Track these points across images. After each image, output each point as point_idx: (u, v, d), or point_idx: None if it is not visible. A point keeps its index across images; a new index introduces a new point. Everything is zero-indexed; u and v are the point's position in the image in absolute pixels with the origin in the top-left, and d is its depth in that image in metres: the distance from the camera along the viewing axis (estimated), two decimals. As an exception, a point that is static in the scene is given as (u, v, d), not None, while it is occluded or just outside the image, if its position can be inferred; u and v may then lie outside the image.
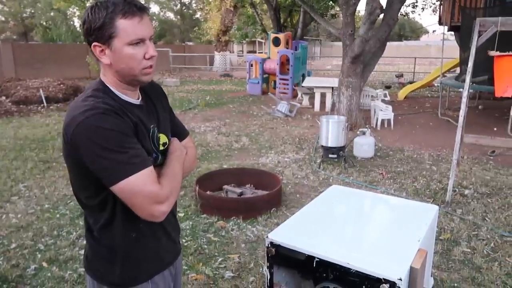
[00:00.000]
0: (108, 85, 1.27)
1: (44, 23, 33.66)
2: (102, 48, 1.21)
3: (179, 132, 1.55)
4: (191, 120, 9.08)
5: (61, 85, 12.26)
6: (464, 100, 4.36)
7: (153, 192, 1.18)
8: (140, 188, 1.16)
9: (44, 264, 3.16)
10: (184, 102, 11.68)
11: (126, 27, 1.19)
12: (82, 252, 3.32)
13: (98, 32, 1.19)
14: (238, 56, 30.78)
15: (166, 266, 1.49)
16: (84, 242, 3.39)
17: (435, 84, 14.42)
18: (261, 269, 3.08)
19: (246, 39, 25.40)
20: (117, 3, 1.19)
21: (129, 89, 1.30)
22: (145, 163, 1.19)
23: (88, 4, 14.86)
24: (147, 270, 1.40)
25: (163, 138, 1.39)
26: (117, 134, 1.15)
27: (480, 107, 10.65)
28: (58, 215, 4.09)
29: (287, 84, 12.66)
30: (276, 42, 13.27)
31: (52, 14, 32.99)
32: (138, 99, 1.34)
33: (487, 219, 3.97)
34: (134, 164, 1.16)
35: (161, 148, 1.39)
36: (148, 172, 1.19)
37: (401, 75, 16.90)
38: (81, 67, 18.69)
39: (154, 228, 1.38)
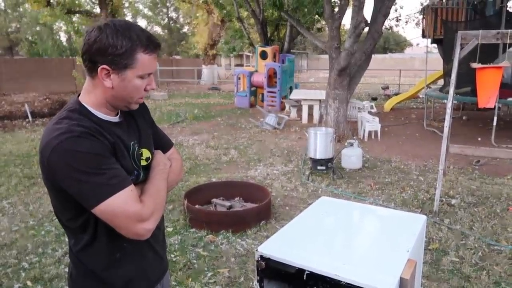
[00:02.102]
0: (85, 105, 1.24)
1: (30, 38, 33.43)
2: (110, 72, 1.19)
3: (163, 144, 1.53)
4: (179, 133, 9.04)
5: (47, 100, 12.14)
6: (449, 111, 4.45)
7: (135, 212, 1.16)
8: (121, 208, 1.15)
9: (29, 283, 3.08)
10: (172, 115, 11.65)
11: (144, 62, 1.20)
12: (67, 270, 3.26)
13: (115, 58, 1.16)
14: (225, 69, 30.95)
15: (154, 284, 1.46)
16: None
17: (420, 96, 14.68)
18: (251, 283, 3.05)
19: (234, 53, 25.57)
20: (141, 37, 1.19)
21: (109, 109, 1.28)
22: (124, 183, 1.17)
23: (74, 19, 14.83)
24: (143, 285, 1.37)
25: (145, 153, 1.38)
26: (93, 157, 1.13)
27: (464, 117, 10.86)
28: (43, 232, 4.00)
29: (275, 97, 12.74)
30: (264, 55, 13.39)
31: (38, 28, 32.82)
32: (116, 115, 1.31)
33: (474, 228, 4.02)
34: (113, 185, 1.14)
35: (144, 163, 1.37)
36: (128, 192, 1.17)
37: (387, 87, 17.17)
38: (67, 82, 18.55)
39: (139, 246, 1.36)
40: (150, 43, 1.21)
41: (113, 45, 1.15)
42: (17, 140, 8.36)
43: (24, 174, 5.89)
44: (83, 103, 1.24)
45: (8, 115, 10.97)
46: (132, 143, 1.32)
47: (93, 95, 1.24)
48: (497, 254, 3.48)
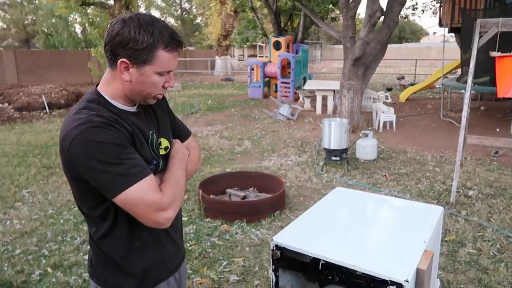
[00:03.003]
0: (104, 95, 1.25)
1: (46, 30, 33.84)
2: (129, 66, 1.19)
3: (181, 133, 1.54)
4: (193, 124, 9.09)
5: (63, 91, 12.31)
6: (466, 101, 4.36)
7: (155, 201, 1.17)
8: (141, 198, 1.15)
9: (49, 269, 3.16)
10: (186, 106, 11.70)
11: (164, 59, 1.20)
12: (87, 257, 3.32)
13: (135, 52, 1.16)
14: (239, 60, 30.86)
15: (172, 273, 1.48)
16: (88, 247, 3.39)
17: (437, 86, 14.42)
18: (266, 272, 3.07)
19: (247, 43, 25.46)
20: (163, 33, 1.18)
21: (127, 101, 1.28)
22: (143, 172, 1.17)
23: (89, 11, 14.94)
24: (152, 277, 1.39)
25: (164, 143, 1.39)
26: (112, 146, 1.14)
27: (482, 108, 10.63)
28: (62, 221, 4.09)
29: (289, 88, 12.67)
30: (277, 45, 13.30)
31: (53, 20, 33.17)
32: (134, 106, 1.32)
33: (492, 220, 3.96)
34: (133, 174, 1.15)
35: (163, 152, 1.38)
36: (148, 181, 1.17)
37: (402, 77, 16.90)
38: (83, 74, 18.79)
39: (159, 236, 1.38)
40: (172, 40, 1.20)
41: (135, 40, 1.15)
42: (35, 131, 8.52)
43: (42, 164, 6.01)
44: (101, 93, 1.25)
45: (26, 106, 11.17)
46: (150, 132, 1.32)
47: (112, 86, 1.25)
48: (516, 246, 3.43)
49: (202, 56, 27.24)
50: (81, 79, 18.98)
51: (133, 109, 1.30)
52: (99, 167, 1.13)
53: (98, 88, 1.27)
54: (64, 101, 11.74)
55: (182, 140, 1.51)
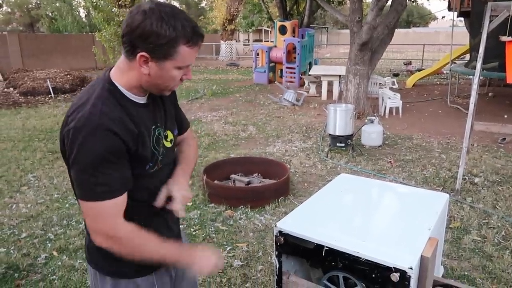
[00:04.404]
0: (117, 84, 1.21)
1: (50, 14, 33.68)
2: (148, 60, 1.15)
3: (183, 124, 1.54)
4: (197, 109, 9.06)
5: (68, 76, 12.31)
6: (475, 86, 4.29)
7: (101, 228, 1.17)
8: (92, 216, 1.16)
9: (55, 253, 3.19)
10: (190, 91, 11.66)
11: (185, 54, 1.17)
12: (84, 242, 3.36)
13: (156, 47, 1.12)
14: (244, 45, 30.58)
15: None
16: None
17: (444, 72, 14.22)
18: (269, 257, 3.08)
19: (252, 28, 25.21)
20: (186, 27, 1.14)
21: (140, 91, 1.26)
22: (109, 195, 1.14)
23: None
24: (150, 264, 1.35)
25: (170, 135, 1.38)
26: (95, 156, 1.11)
27: (490, 94, 10.49)
28: (67, 205, 4.12)
29: (294, 73, 12.56)
30: (283, 30, 13.14)
31: (57, 4, 32.97)
32: (145, 96, 1.29)
33: (498, 207, 3.93)
34: (96, 192, 1.13)
35: (169, 145, 1.37)
36: (109, 205, 1.14)
37: (410, 63, 16.67)
38: (87, 58, 18.74)
39: (156, 226, 1.35)
40: (194, 35, 1.16)
41: (156, 34, 1.10)
42: (41, 116, 8.54)
43: (48, 149, 6.03)
44: (114, 82, 1.21)
45: (31, 91, 11.18)
46: (154, 127, 1.30)
47: (127, 76, 1.21)
48: (521, 233, 3.41)
49: (207, 41, 27.01)
50: (86, 63, 18.94)
51: (143, 100, 1.27)
52: (76, 167, 1.13)
53: (111, 75, 1.22)
54: (68, 85, 11.74)
55: (182, 132, 1.51)
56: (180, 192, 1.36)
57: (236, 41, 28.74)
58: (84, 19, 32.99)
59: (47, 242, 3.37)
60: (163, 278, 1.44)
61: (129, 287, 1.36)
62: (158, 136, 1.31)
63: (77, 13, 33.28)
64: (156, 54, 1.13)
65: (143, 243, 1.22)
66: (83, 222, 3.62)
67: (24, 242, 3.37)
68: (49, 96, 10.98)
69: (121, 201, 1.18)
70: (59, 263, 3.05)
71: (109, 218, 1.16)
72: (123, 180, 1.18)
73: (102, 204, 1.14)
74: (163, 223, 1.40)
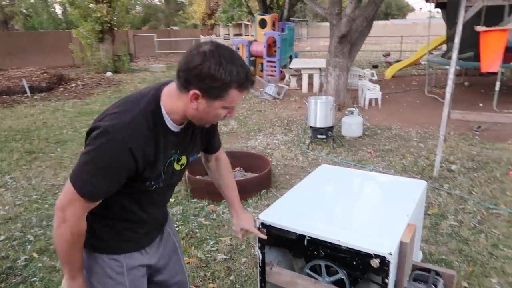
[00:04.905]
0: (163, 109, 1.27)
1: (25, 11, 32.74)
2: (199, 97, 1.21)
3: (216, 144, 1.67)
4: (178, 105, 8.99)
5: (45, 74, 12.00)
6: (451, 76, 4.37)
7: (64, 211, 1.23)
8: (67, 197, 1.23)
9: (35, 254, 3.14)
10: (171, 87, 11.55)
11: (235, 97, 1.24)
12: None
13: (210, 88, 1.19)
14: (224, 39, 30.37)
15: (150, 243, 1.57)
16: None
17: (422, 62, 14.47)
18: (252, 250, 3.10)
19: (232, 22, 25.06)
20: (240, 74, 1.20)
21: (181, 118, 1.32)
22: (88, 195, 1.22)
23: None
24: (128, 248, 1.47)
25: (183, 160, 1.44)
26: (105, 163, 1.20)
27: (466, 83, 10.73)
28: (46, 205, 4.04)
29: (275, 67, 12.57)
30: (263, 24, 13.11)
31: (32, 1, 32.06)
32: (181, 125, 1.35)
33: (473, 192, 4.05)
34: (83, 187, 1.21)
35: (178, 168, 1.44)
36: (82, 203, 1.23)
37: (388, 54, 16.89)
38: (65, 55, 18.32)
39: (143, 223, 1.48)
40: (246, 81, 1.23)
41: (212, 77, 1.17)
42: (17, 116, 8.32)
43: (25, 149, 5.90)
44: (161, 106, 1.27)
45: (6, 90, 10.87)
46: (173, 152, 1.37)
47: (174, 104, 1.27)
48: (496, 217, 3.52)
49: (186, 36, 26.76)
50: (63, 61, 18.52)
51: (177, 128, 1.34)
52: (85, 158, 1.21)
53: (162, 96, 1.28)
54: (45, 84, 11.46)
55: (214, 151, 1.68)
56: (251, 226, 1.81)
57: (216, 36, 28.56)
58: (60, 16, 32.20)
59: (27, 244, 3.31)
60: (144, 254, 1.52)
61: (100, 260, 1.43)
62: (172, 160, 1.38)
63: (52, 9, 32.45)
64: (208, 94, 1.21)
65: (71, 246, 1.29)
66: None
67: (2, 245, 3.30)
68: (25, 95, 10.71)
69: (93, 205, 1.27)
70: (40, 264, 3.00)
71: (76, 210, 1.24)
72: (107, 190, 1.26)
73: (80, 199, 1.22)
74: (153, 225, 1.55)
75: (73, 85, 11.96)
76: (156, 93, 1.28)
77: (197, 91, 1.19)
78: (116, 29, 15.53)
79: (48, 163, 5.27)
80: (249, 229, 1.81)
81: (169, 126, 1.30)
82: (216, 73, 1.16)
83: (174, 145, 1.35)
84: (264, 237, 1.84)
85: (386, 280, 1.85)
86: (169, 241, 1.71)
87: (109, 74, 14.68)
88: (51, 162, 5.33)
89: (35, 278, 2.83)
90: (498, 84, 7.20)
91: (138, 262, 1.49)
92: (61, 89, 11.48)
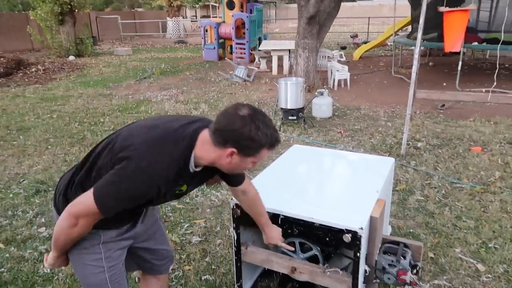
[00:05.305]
0: (193, 154, 1.39)
1: (-25, -9, 30.65)
2: (234, 154, 1.35)
3: (239, 179, 1.73)
4: (147, 89, 8.78)
5: (1, 59, 11.38)
6: (416, 56, 4.48)
7: (77, 217, 1.35)
8: (85, 207, 1.33)
9: (1, 245, 3.02)
10: (138, 71, 11.24)
11: (263, 155, 1.39)
12: (42, 230, 3.22)
13: (247, 147, 1.34)
14: (191, 21, 29.74)
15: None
16: (43, 220, 3.26)
17: (388, 43, 14.73)
18: (227, 231, 3.12)
19: (199, 3, 24.51)
20: (272, 137, 1.35)
21: (206, 164, 1.43)
22: (105, 212, 1.33)
23: None
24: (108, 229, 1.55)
25: (184, 188, 1.52)
26: (131, 190, 1.31)
27: (430, 64, 11.04)
28: (11, 195, 3.89)
29: (244, 49, 12.46)
30: (230, 5, 12.90)
31: (-17, -20, 30.04)
32: (199, 167, 1.45)
33: (438, 168, 4.21)
34: (104, 203, 1.32)
35: (176, 192, 1.51)
36: (97, 216, 1.34)
37: (356, 36, 17.08)
38: (22, 39, 17.41)
39: (124, 222, 1.58)
40: (275, 142, 1.38)
41: (251, 139, 1.31)
42: (-27, 103, 7.89)
43: (-16, 138, 5.62)
44: (193, 151, 1.38)
45: (-40, 76, 10.26)
46: (182, 185, 1.48)
47: (206, 152, 1.38)
48: (459, 191, 3.69)
49: (152, 18, 26.00)
50: (21, 45, 17.59)
51: (196, 169, 1.44)
52: (115, 176, 1.31)
53: (197, 142, 1.38)
54: (3, 69, 10.87)
55: (237, 184, 1.74)
56: (279, 241, 1.98)
57: (183, 18, 27.90)
58: (15, -3, 30.38)
59: (-8, 234, 3.19)
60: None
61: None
62: (176, 189, 1.48)
63: (6, -11, 30.55)
64: (244, 152, 1.35)
65: (71, 242, 1.45)
66: (30, 212, 3.44)
67: (-35, 237, 3.16)
68: (-19, 81, 10.14)
69: (101, 218, 1.38)
70: (7, 255, 2.90)
71: (90, 220, 1.36)
72: (119, 210, 1.38)
73: (95, 211, 1.32)
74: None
75: (33, 70, 11.42)
76: (191, 141, 1.38)
77: (234, 150, 1.33)
78: (76, 10, 14.86)
79: (10, 152, 5.05)
80: (277, 244, 1.99)
81: (190, 168, 1.41)
82: (254, 136, 1.30)
83: (186, 180, 1.46)
84: (292, 248, 2.06)
85: (358, 254, 1.91)
86: (152, 217, 1.79)
87: (71, 58, 14.10)
88: (14, 150, 5.11)
89: (2, 269, 2.74)
90: (460, 64, 7.45)
91: (115, 234, 1.54)
92: (21, 74, 10.94)
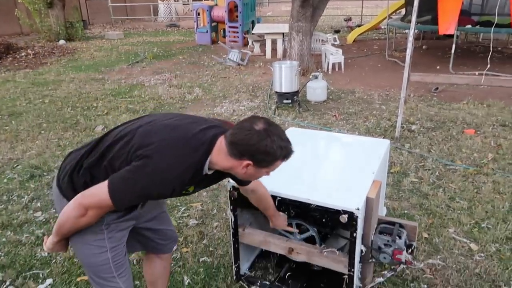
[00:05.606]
0: (208, 159, 1.40)
1: (-41, -27, 29.80)
2: (250, 165, 1.38)
3: (247, 181, 1.77)
4: (139, 74, 8.68)
5: (-10, 43, 11.16)
6: (410, 39, 4.46)
7: (87, 208, 1.36)
8: (98, 197, 1.35)
9: (-3, 230, 3.03)
10: (130, 55, 11.09)
11: (277, 165, 1.44)
12: (38, 214, 3.22)
13: (262, 161, 1.38)
14: (183, 4, 29.24)
15: None
16: (39, 204, 3.25)
17: (382, 27, 14.65)
18: (224, 214, 3.14)
19: (191, -14, 23.98)
20: (287, 149, 1.39)
21: (218, 169, 1.46)
22: (118, 204, 1.35)
23: None
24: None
25: (191, 189, 1.52)
26: (146, 188, 1.32)
27: (424, 47, 11.02)
28: (5, 180, 3.87)
29: (237, 32, 12.31)
30: (223, -13, 12.68)
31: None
32: (212, 170, 1.47)
33: (432, 150, 4.25)
34: (119, 195, 1.33)
35: (183, 192, 1.51)
36: (108, 206, 1.35)
37: (350, 19, 16.94)
38: (10, 22, 17.01)
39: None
40: (289, 153, 1.42)
41: (267, 153, 1.35)
42: (-38, 88, 7.75)
43: (-25, 123, 5.55)
44: (208, 157, 1.40)
45: None
46: (191, 187, 1.49)
47: (221, 160, 1.40)
48: (452, 173, 3.73)
49: (143, 1, 25.51)
50: (9, 28, 17.20)
51: (209, 172, 1.46)
52: (131, 172, 1.33)
53: (214, 149, 1.40)
54: (-9, 54, 10.68)
55: (245, 184, 1.80)
56: (284, 226, 2.09)
57: (175, 1, 27.41)
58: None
59: (-13, 220, 3.18)
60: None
61: None
62: (185, 190, 1.49)
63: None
64: (259, 165, 1.40)
65: (76, 229, 1.45)
66: (25, 196, 3.44)
67: (-39, 222, 3.15)
68: (-30, 66, 9.96)
69: (111, 209, 1.39)
70: (4, 239, 2.90)
71: (100, 212, 1.39)
72: (132, 204, 1.45)
73: (109, 205, 1.34)
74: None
75: (23, 54, 11.20)
76: (209, 146, 1.40)
77: (250, 162, 1.37)
78: (66, -7, 14.53)
79: (3, 137, 5.00)
80: (282, 229, 2.13)
81: (204, 173, 1.44)
82: (270, 150, 1.34)
83: (196, 182, 1.47)
84: (296, 230, 2.14)
85: (354, 234, 1.94)
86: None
87: (62, 42, 13.84)
88: (6, 135, 5.06)
89: (0, 253, 2.74)
90: (454, 47, 7.44)
91: (117, 216, 1.53)
92: (10, 58, 10.74)
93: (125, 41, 14.26)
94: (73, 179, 1.46)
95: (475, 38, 12.03)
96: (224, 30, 12.80)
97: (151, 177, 1.31)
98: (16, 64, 10.12)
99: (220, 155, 1.40)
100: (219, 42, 11.76)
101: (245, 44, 12.18)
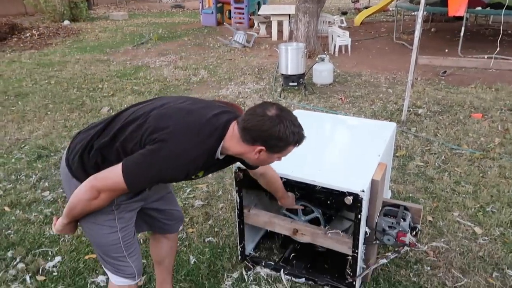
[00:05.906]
0: (220, 146, 1.42)
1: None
2: (262, 151, 1.40)
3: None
4: (144, 55, 8.63)
5: (-5, 23, 11.11)
6: (419, 20, 4.39)
7: (100, 191, 1.37)
8: (112, 180, 1.36)
9: (6, 208, 3.08)
10: (135, 36, 11.01)
11: (290, 151, 1.46)
12: (46, 194, 3.26)
13: (274, 146, 1.39)
14: (188, -15, 28.86)
15: None
16: (46, 184, 3.28)
17: (390, 9, 14.38)
18: (229, 195, 3.17)
19: (196, -34, 23.58)
20: (299, 135, 1.41)
21: (230, 154, 1.48)
22: (131, 187, 1.36)
23: None
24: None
25: (200, 174, 1.53)
26: (161, 172, 1.34)
27: (432, 29, 10.83)
28: (13, 160, 3.91)
29: (243, 14, 12.15)
30: (229, -33, 12.46)
31: None
32: (223, 155, 1.49)
33: (438, 134, 4.23)
34: (133, 178, 1.34)
35: (193, 177, 1.52)
36: (122, 189, 1.36)
37: (357, 1, 16.63)
38: (14, 2, 16.89)
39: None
40: (301, 140, 1.44)
41: (279, 139, 1.36)
42: (-32, 68, 7.77)
43: (-18, 103, 5.58)
44: (221, 143, 1.42)
45: (-47, 41, 10.05)
46: (201, 172, 1.49)
47: (234, 145, 1.42)
48: (458, 157, 3.72)
49: (148, -19, 25.16)
50: (13, 9, 17.09)
51: (220, 156, 1.47)
52: (146, 156, 1.33)
53: (227, 134, 1.41)
54: (-4, 34, 10.64)
55: (256, 168, 1.81)
56: (292, 205, 2.14)
57: (180, -19, 27.00)
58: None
59: (-4, 198, 3.23)
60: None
61: None
62: (195, 174, 1.50)
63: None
64: (272, 150, 1.41)
65: (87, 212, 1.46)
66: (33, 176, 3.48)
67: (-30, 201, 3.20)
68: (-25, 46, 9.94)
69: (124, 191, 1.40)
70: (13, 217, 2.95)
71: (113, 195, 1.41)
72: (144, 188, 1.50)
73: (123, 188, 1.35)
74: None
75: (28, 34, 11.16)
76: (223, 132, 1.41)
77: (262, 148, 1.39)
78: (70, -28, 14.35)
79: (9, 117, 5.03)
80: (292, 207, 2.17)
81: (217, 157, 1.45)
82: (282, 136, 1.35)
83: (207, 166, 1.48)
84: (301, 207, 2.19)
85: (359, 216, 1.95)
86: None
87: (66, 22, 13.75)
88: (13, 115, 5.09)
89: (9, 231, 2.79)
90: (463, 30, 7.31)
91: (127, 197, 1.54)
92: (15, 39, 10.71)
93: (129, 22, 14.14)
94: (84, 160, 1.47)
95: (485, 21, 11.79)
96: (229, 11, 12.63)
97: (166, 161, 1.32)
98: (21, 45, 10.10)
99: (232, 141, 1.41)
100: (224, 23, 11.63)
101: (251, 25, 12.03)
